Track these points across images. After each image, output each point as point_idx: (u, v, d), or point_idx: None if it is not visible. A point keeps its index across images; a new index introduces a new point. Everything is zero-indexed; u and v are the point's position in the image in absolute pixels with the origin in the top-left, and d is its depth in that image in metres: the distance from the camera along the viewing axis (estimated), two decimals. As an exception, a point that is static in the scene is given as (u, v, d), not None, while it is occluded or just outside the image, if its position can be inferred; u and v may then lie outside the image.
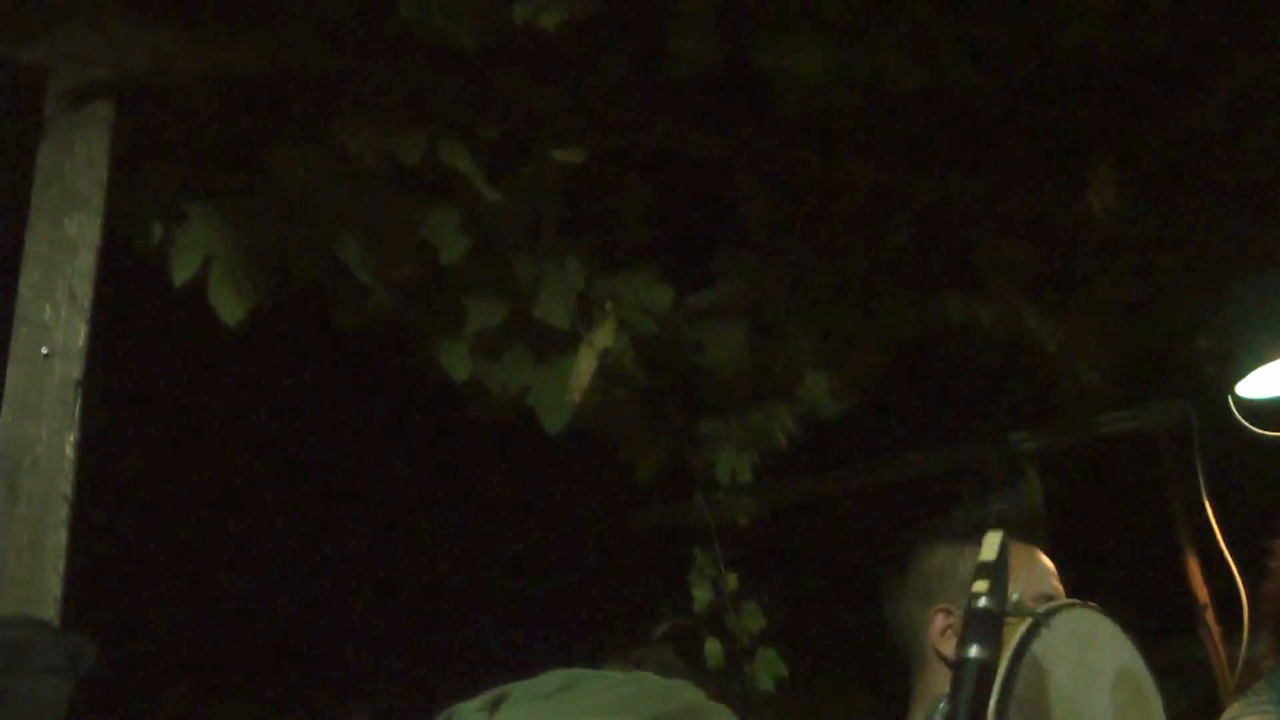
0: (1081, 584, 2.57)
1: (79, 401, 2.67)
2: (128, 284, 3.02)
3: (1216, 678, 4.48)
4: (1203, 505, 4.48)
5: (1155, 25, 3.42)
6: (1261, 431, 4.30)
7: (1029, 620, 2.06)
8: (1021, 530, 2.61)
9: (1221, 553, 4.37)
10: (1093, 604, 2.20)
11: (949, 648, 2.54)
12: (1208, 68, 3.63)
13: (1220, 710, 3.29)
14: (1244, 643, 4.05)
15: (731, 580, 4.07)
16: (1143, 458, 4.82)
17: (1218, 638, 4.53)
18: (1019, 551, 2.55)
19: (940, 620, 2.56)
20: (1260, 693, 3.14)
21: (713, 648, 4.02)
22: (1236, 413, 4.29)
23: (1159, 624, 4.82)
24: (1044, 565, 2.60)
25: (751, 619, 4.10)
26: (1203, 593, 4.60)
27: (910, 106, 3.49)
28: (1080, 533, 4.86)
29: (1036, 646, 2.02)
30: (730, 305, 3.89)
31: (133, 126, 2.96)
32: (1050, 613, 2.11)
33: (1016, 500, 2.69)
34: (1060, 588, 2.55)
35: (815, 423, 4.11)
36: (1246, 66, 3.61)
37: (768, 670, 4.09)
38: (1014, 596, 2.46)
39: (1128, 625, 2.20)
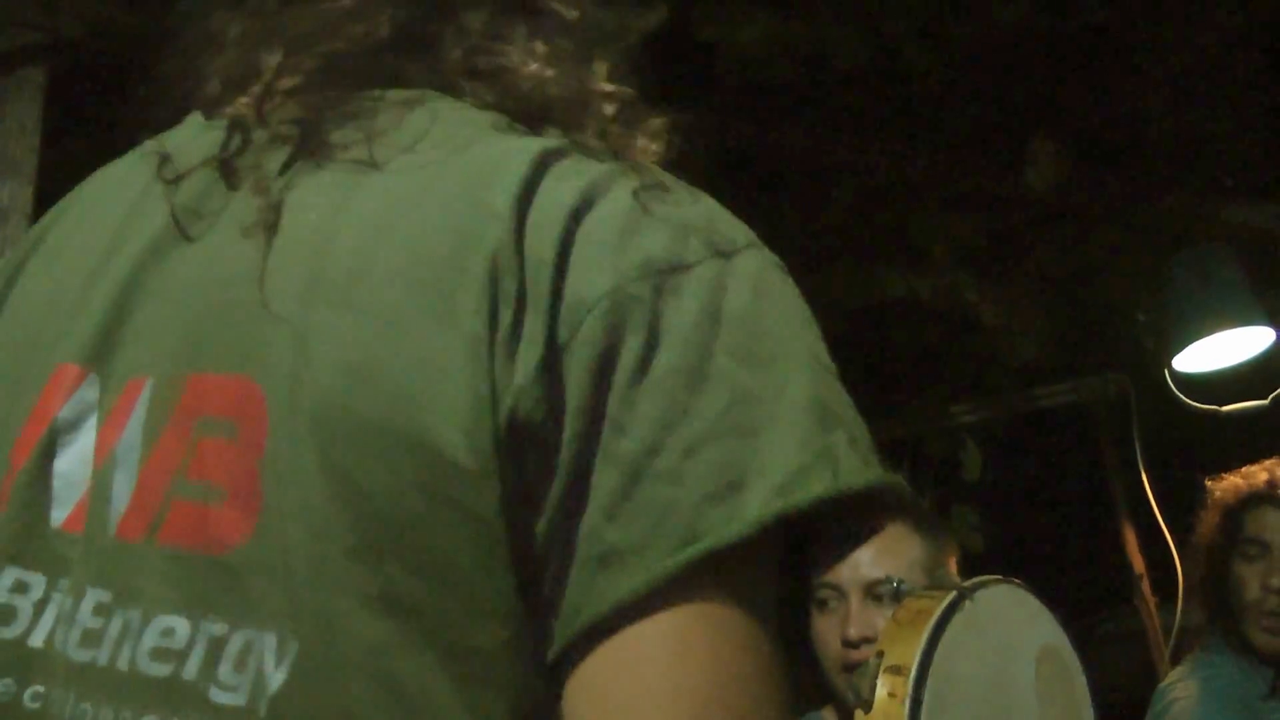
0: (1019, 554, 2.58)
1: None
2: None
3: (1152, 647, 4.52)
4: (1139, 477, 4.52)
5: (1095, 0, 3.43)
6: (1197, 404, 4.34)
7: (952, 593, 2.07)
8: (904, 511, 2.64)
9: (1157, 524, 4.42)
10: (1016, 580, 2.21)
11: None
12: (1147, 42, 3.64)
13: (1156, 679, 3.34)
14: (1179, 612, 4.10)
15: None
16: (1080, 430, 4.85)
17: (1153, 607, 4.57)
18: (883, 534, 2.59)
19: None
20: (1194, 659, 3.21)
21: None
22: (1173, 386, 4.33)
23: (1096, 594, 4.86)
24: (911, 542, 2.60)
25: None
26: (1139, 563, 4.64)
27: (851, 79, 3.48)
28: (1018, 504, 4.90)
29: (958, 620, 2.02)
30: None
31: (66, 92, 2.91)
32: (975, 587, 2.12)
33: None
34: (927, 555, 2.56)
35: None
36: (1185, 40, 3.62)
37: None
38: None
39: (1053, 602, 2.21)
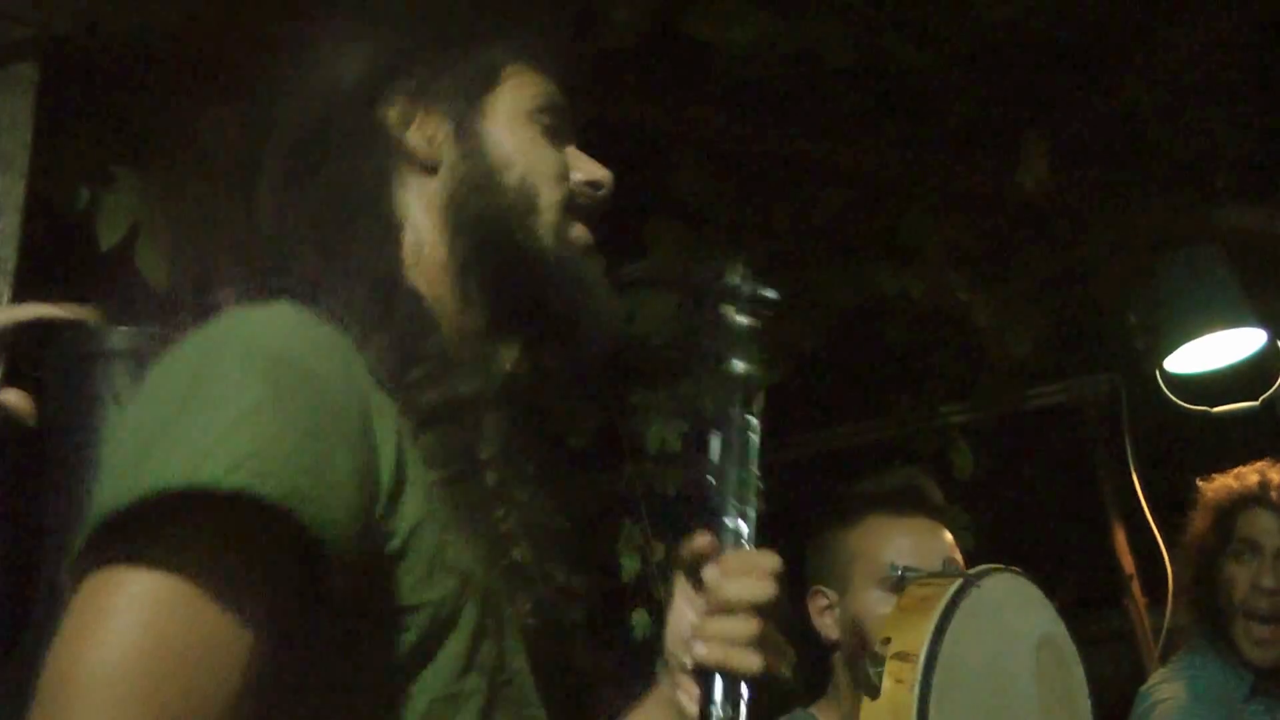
0: (1009, 554, 2.58)
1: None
2: (53, 248, 2.96)
3: (1141, 648, 4.52)
4: (1130, 478, 4.52)
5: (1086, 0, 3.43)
6: (1188, 405, 4.34)
7: (960, 580, 2.07)
8: (920, 509, 2.64)
9: (1148, 524, 4.42)
10: (1017, 569, 2.22)
11: (827, 628, 2.58)
12: (1139, 42, 3.64)
13: (1145, 680, 3.35)
14: (1167, 612, 4.11)
15: (659, 550, 4.05)
16: (1071, 430, 4.85)
17: (1143, 608, 4.57)
18: (921, 527, 2.58)
19: (818, 600, 2.61)
20: (1178, 661, 3.23)
21: (640, 618, 4.00)
22: (1164, 387, 4.33)
23: (1086, 594, 4.85)
24: (945, 540, 2.60)
25: (679, 590, 4.09)
26: (1128, 564, 4.63)
27: (843, 78, 3.48)
28: (1009, 504, 4.88)
29: (965, 606, 2.03)
30: (661, 276, 3.86)
31: (58, 87, 2.90)
32: (981, 574, 2.12)
33: (904, 479, 2.73)
34: (959, 559, 2.57)
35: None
36: (1177, 41, 3.62)
37: (695, 640, 4.08)
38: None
39: (1050, 592, 2.21)
